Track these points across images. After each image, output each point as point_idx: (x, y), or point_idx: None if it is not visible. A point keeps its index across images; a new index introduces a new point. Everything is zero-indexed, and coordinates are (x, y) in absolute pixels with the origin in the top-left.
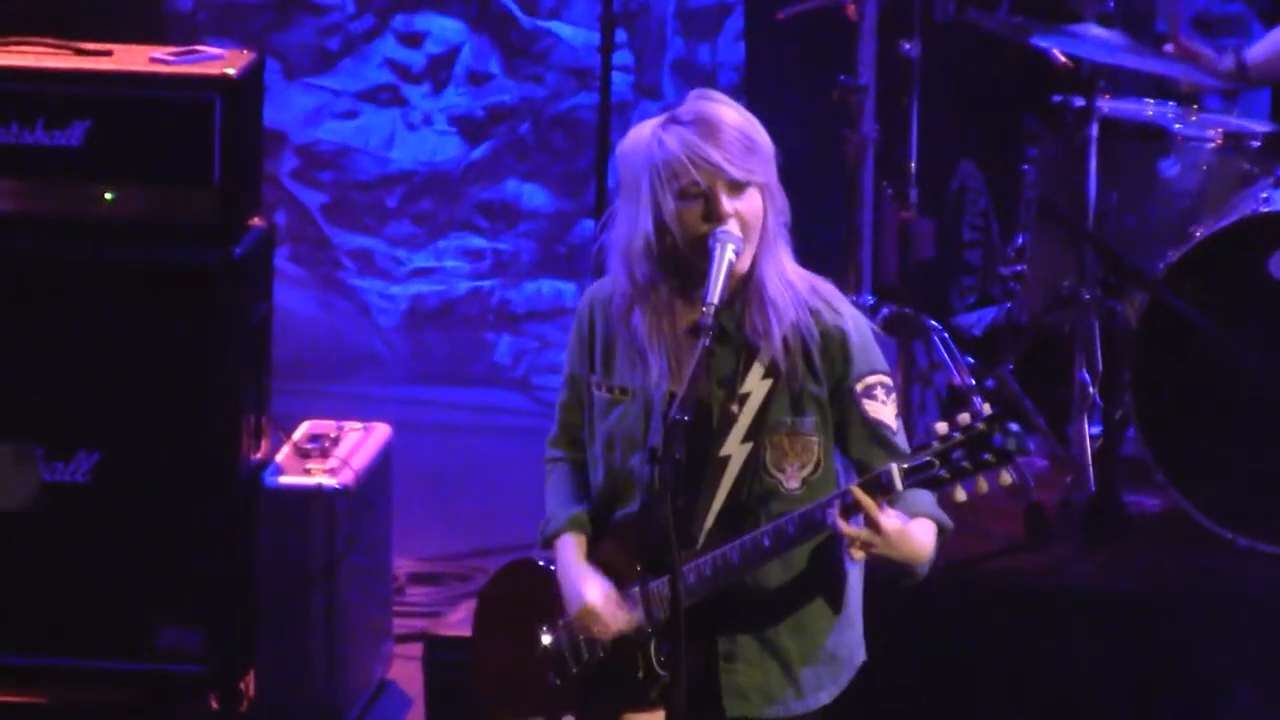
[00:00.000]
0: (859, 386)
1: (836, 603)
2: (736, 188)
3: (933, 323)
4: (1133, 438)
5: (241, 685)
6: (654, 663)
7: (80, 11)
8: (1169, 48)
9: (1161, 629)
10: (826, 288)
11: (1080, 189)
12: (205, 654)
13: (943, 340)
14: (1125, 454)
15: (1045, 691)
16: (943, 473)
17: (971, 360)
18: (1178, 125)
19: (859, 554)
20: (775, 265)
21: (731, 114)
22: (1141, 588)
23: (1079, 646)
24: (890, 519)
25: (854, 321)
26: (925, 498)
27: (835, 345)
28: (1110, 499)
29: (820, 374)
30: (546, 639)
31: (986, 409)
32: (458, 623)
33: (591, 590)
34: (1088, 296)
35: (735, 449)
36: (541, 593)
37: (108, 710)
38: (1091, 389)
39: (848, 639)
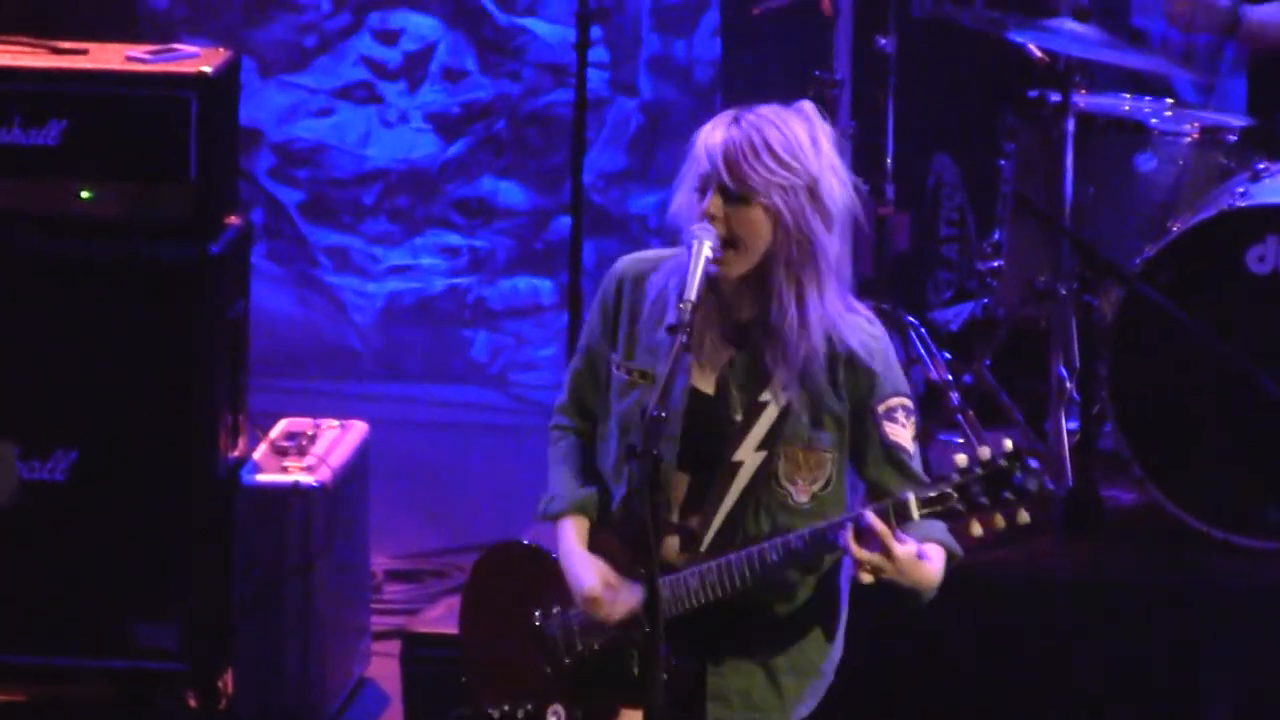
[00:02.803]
0: (881, 408)
1: (833, 621)
2: (734, 197)
3: (909, 318)
4: (1110, 432)
5: (219, 683)
6: (650, 662)
7: (56, 10)
8: None
9: (1139, 622)
10: (858, 308)
11: (1057, 184)
12: (182, 651)
13: (919, 335)
14: (1102, 448)
15: (1023, 684)
16: (960, 506)
17: (948, 355)
18: (1154, 120)
19: (867, 577)
20: (803, 300)
21: (773, 130)
22: (1119, 581)
23: (1057, 640)
24: (903, 546)
25: (880, 343)
26: (937, 525)
27: (860, 365)
28: (1088, 493)
29: (843, 392)
30: (539, 625)
31: (1008, 445)
32: (435, 620)
33: (591, 575)
34: (1064, 291)
35: (748, 456)
36: (534, 576)
37: (85, 707)
38: (1068, 384)
39: (835, 655)
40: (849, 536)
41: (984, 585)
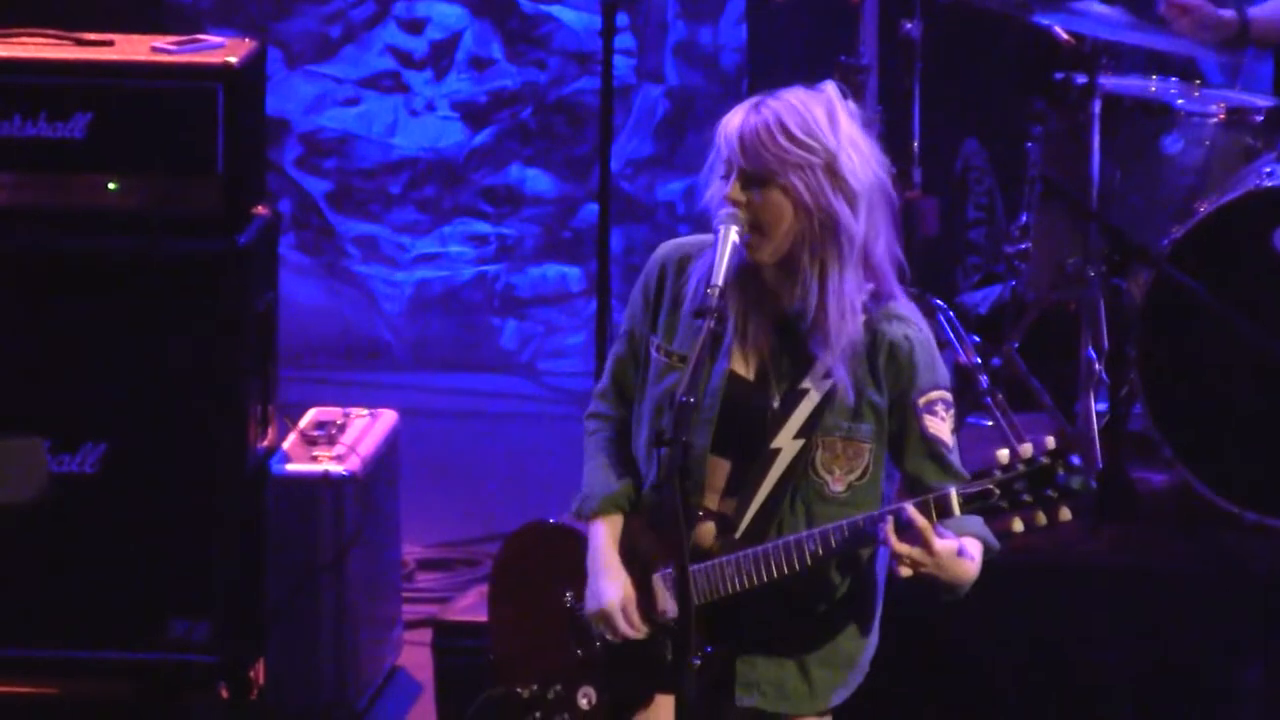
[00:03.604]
0: (921, 401)
1: (869, 613)
2: (751, 179)
3: (938, 301)
4: (1139, 414)
5: (251, 674)
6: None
7: (81, 2)
8: None
9: (1169, 604)
10: (899, 299)
11: (1084, 166)
12: (215, 644)
13: (948, 319)
14: (1132, 430)
15: (1053, 668)
16: (1002, 503)
17: (977, 339)
18: (1180, 101)
19: (907, 571)
20: (825, 281)
21: (790, 111)
22: (1149, 564)
23: (1087, 623)
24: (943, 541)
25: (922, 335)
26: (975, 519)
27: (902, 356)
28: (1118, 475)
29: (883, 383)
30: (571, 606)
31: (1051, 442)
32: (467, 608)
33: (611, 593)
34: (1092, 274)
35: (787, 444)
36: (566, 556)
37: (118, 701)
38: (1097, 366)
39: (870, 648)
40: (889, 530)
41: (1014, 569)
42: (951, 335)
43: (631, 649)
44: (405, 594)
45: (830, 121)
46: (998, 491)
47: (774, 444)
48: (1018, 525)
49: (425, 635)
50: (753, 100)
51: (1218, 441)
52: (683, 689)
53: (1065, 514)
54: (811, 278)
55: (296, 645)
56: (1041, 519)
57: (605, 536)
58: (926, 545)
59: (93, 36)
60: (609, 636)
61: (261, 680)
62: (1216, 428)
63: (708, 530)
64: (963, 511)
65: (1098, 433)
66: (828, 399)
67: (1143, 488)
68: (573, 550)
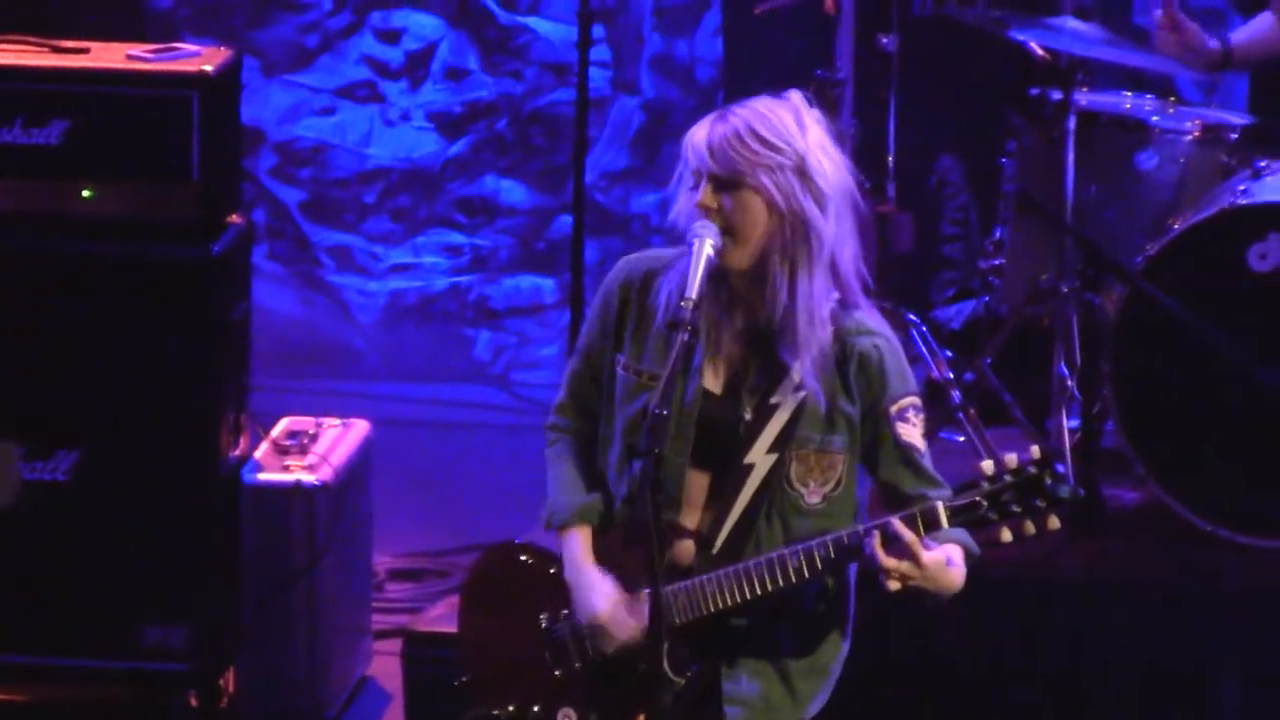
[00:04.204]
0: (894, 409)
1: (844, 620)
2: (722, 184)
3: (912, 316)
4: (1112, 430)
5: (221, 682)
6: (665, 666)
7: (58, 9)
8: (1157, 13)
9: (1142, 621)
10: (865, 308)
11: (1059, 182)
12: (187, 651)
13: (921, 334)
14: (1105, 447)
15: (1026, 683)
16: (991, 514)
17: (950, 354)
18: (1156, 118)
19: (895, 585)
20: (794, 282)
21: (756, 117)
22: (1122, 580)
23: (1060, 639)
24: (932, 553)
25: (890, 344)
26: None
27: (873, 366)
28: (1090, 492)
29: (855, 393)
30: (547, 628)
31: (1036, 452)
32: (437, 619)
33: (600, 600)
34: (1066, 289)
35: (760, 458)
36: (537, 577)
37: (91, 708)
38: (1070, 382)
39: (844, 653)
40: (876, 544)
41: (987, 585)
42: (925, 350)
43: (613, 668)
44: (376, 604)
45: (799, 125)
46: (985, 503)
47: (747, 459)
48: (1006, 535)
49: (395, 645)
50: (717, 113)
51: (1191, 459)
52: (658, 706)
53: (1054, 522)
54: (782, 280)
55: (267, 654)
56: (1030, 529)
57: (581, 546)
58: (915, 559)
59: (69, 44)
60: (603, 648)
61: (232, 688)
62: (1190, 445)
63: (686, 548)
64: (950, 524)
65: (1070, 449)
66: (799, 411)
67: (1115, 505)
68: (546, 571)
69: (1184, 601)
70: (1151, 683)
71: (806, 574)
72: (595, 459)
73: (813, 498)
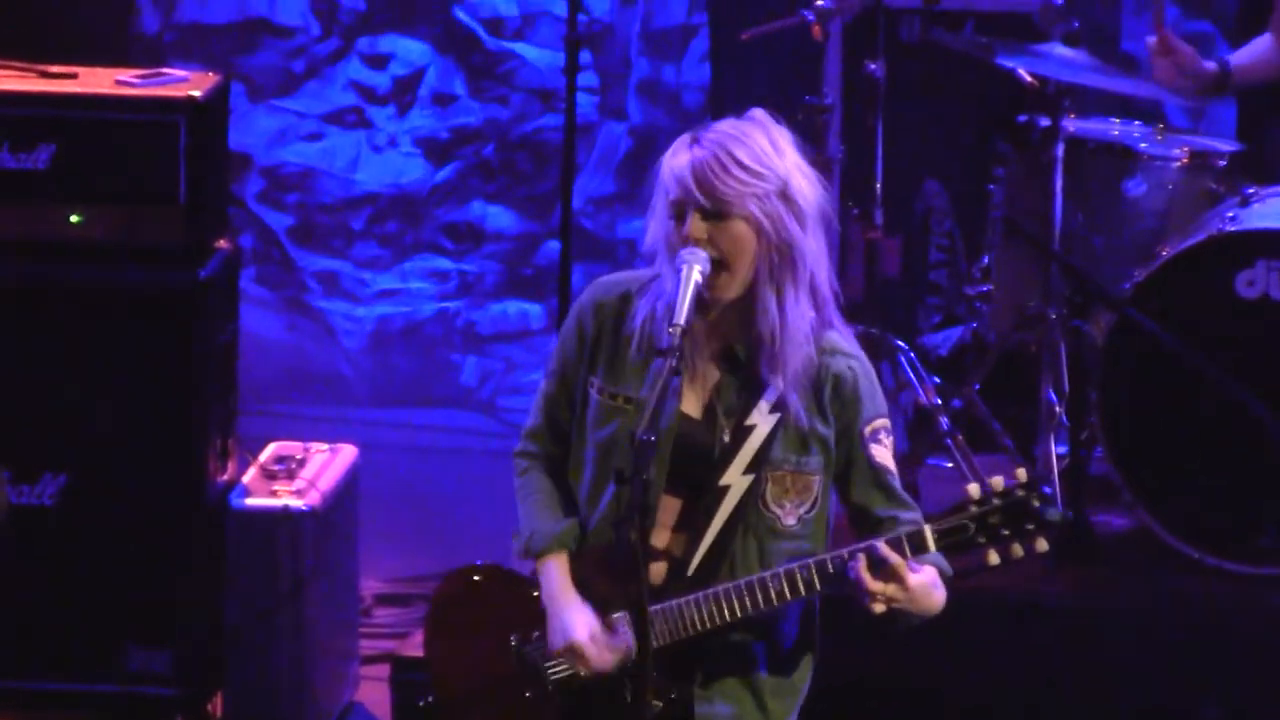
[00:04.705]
0: (867, 430)
1: (812, 638)
2: (712, 215)
3: (899, 342)
4: (1100, 457)
5: (209, 707)
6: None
7: (46, 33)
8: (1151, 40)
9: (1129, 648)
10: (838, 328)
11: (1046, 208)
12: (173, 675)
13: (909, 360)
14: (1092, 473)
15: (1012, 711)
16: (979, 538)
17: (938, 380)
18: (1143, 144)
19: (880, 608)
20: (782, 304)
21: (735, 143)
22: (1109, 607)
23: (1047, 665)
24: (917, 576)
25: (863, 365)
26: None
27: (847, 388)
28: (1078, 519)
29: (830, 415)
30: (519, 650)
31: (1022, 474)
32: (424, 644)
33: (579, 627)
34: (1054, 316)
35: (735, 480)
36: (505, 599)
37: None
38: (1058, 408)
39: (811, 672)
40: (861, 568)
41: (974, 611)
42: (912, 376)
43: (588, 691)
44: (363, 629)
45: (775, 148)
46: (973, 526)
47: (723, 480)
48: (994, 559)
49: (383, 670)
50: (686, 138)
51: (1178, 485)
52: None
53: (1042, 545)
54: (770, 302)
55: (254, 678)
56: (1018, 551)
57: (560, 572)
58: (902, 582)
59: (57, 68)
60: (580, 671)
61: (219, 712)
62: (1177, 472)
63: (658, 570)
64: (937, 548)
65: (1058, 475)
66: (775, 433)
67: (1103, 531)
68: (513, 592)
69: (1172, 629)
70: (1138, 711)
71: (788, 596)
72: (567, 483)
73: (789, 519)
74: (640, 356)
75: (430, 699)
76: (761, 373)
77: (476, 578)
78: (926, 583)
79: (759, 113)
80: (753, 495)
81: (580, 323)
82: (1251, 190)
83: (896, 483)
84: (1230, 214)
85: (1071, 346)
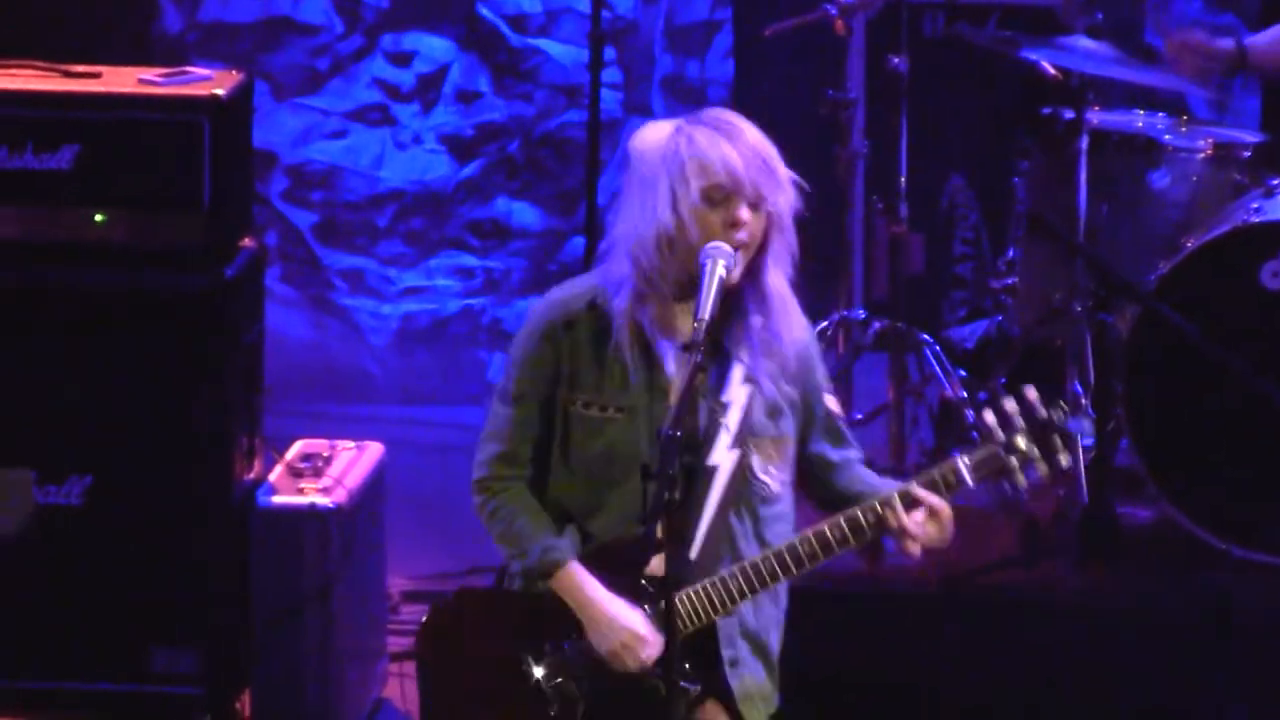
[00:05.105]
0: (824, 383)
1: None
2: (753, 205)
3: (924, 336)
4: (1125, 449)
5: (237, 705)
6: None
7: (69, 34)
8: (1173, 38)
9: (1157, 641)
10: (793, 299)
11: (1070, 201)
12: (200, 675)
13: (934, 354)
14: (1118, 466)
15: (1039, 706)
16: (1012, 460)
17: (963, 373)
18: (1168, 136)
19: (916, 549)
20: (763, 282)
21: (751, 133)
22: (1136, 600)
23: (1073, 660)
24: (949, 512)
25: (811, 328)
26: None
27: (808, 352)
28: (1104, 511)
29: (795, 378)
30: (538, 672)
31: (1033, 392)
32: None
33: (635, 621)
34: (1079, 309)
35: (723, 457)
36: (509, 620)
37: None
38: (1084, 401)
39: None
40: (899, 512)
41: (999, 604)
42: (938, 370)
43: (618, 701)
44: (391, 626)
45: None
46: (1003, 452)
47: (711, 461)
48: (1022, 480)
49: (411, 667)
50: (715, 126)
51: (1204, 477)
52: (674, 714)
53: (1065, 460)
54: (773, 282)
55: (282, 677)
56: (1044, 469)
57: (588, 576)
58: (940, 521)
59: (80, 69)
60: (629, 666)
61: (248, 712)
62: (1203, 463)
63: (661, 559)
64: (974, 481)
65: (1084, 469)
66: (751, 404)
67: (1128, 523)
68: (516, 614)
69: (1198, 620)
70: (1165, 704)
71: (821, 557)
72: (547, 500)
73: (776, 485)
74: (626, 362)
75: None
76: (725, 346)
77: (461, 611)
78: (952, 516)
79: (726, 111)
80: (741, 469)
81: (552, 344)
82: (1276, 181)
83: (843, 425)
84: (1255, 205)
85: (1096, 339)
